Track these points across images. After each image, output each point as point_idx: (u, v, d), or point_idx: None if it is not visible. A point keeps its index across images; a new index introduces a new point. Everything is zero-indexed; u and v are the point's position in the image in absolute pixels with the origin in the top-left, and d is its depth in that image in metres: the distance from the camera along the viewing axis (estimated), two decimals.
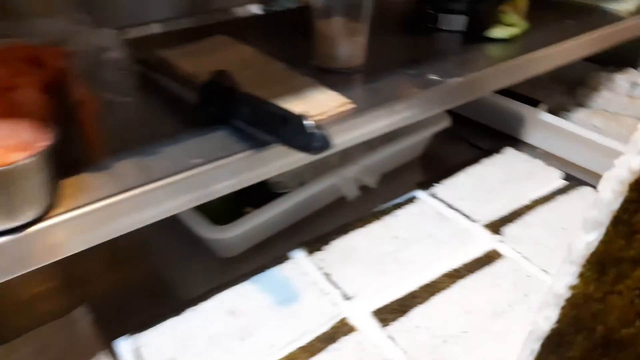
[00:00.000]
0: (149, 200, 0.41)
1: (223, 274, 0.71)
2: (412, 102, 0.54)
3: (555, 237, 0.75)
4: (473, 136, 1.04)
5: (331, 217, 0.81)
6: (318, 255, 0.72)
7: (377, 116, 0.52)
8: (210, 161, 0.44)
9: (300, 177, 0.80)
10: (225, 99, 0.49)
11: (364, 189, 0.82)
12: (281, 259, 0.72)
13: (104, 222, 0.39)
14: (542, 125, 0.98)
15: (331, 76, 0.58)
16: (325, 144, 0.45)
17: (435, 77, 0.57)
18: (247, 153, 0.46)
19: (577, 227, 0.74)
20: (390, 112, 0.53)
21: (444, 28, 0.73)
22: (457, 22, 0.72)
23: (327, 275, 0.69)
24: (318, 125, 0.44)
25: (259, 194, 0.77)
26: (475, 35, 0.71)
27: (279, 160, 0.48)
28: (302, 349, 0.60)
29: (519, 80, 0.67)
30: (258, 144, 0.46)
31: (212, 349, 0.59)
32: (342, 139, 0.50)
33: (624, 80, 1.01)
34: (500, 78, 0.64)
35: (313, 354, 0.59)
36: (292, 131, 0.45)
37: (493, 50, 0.69)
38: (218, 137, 0.47)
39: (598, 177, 0.90)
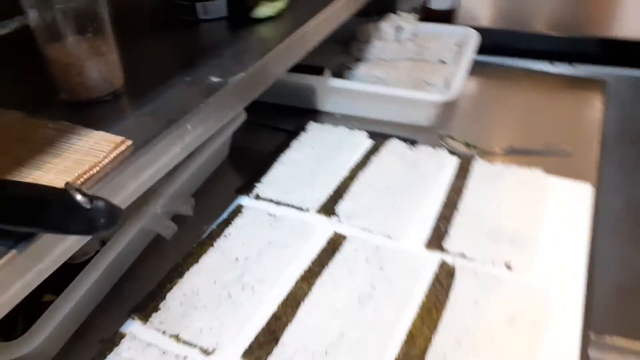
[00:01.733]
0: None
1: None
2: (201, 117, 0.45)
3: (384, 198, 0.74)
4: (274, 120, 0.98)
5: (155, 266, 0.69)
6: (156, 318, 0.60)
7: (164, 146, 0.42)
8: None
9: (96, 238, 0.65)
10: None
11: (180, 219, 0.71)
12: (110, 342, 0.58)
13: None
14: (332, 91, 0.97)
15: (89, 110, 0.45)
16: (111, 217, 0.33)
17: (216, 79, 0.49)
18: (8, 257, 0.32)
19: (399, 182, 0.73)
20: (178, 137, 0.43)
21: (204, 18, 0.64)
22: (216, 8, 0.64)
23: (175, 337, 0.58)
24: (93, 196, 0.33)
25: (54, 274, 0.61)
26: (240, 19, 0.64)
27: (58, 247, 0.36)
28: None
29: (302, 55, 0.62)
30: (19, 238, 0.33)
31: None
32: (130, 189, 0.39)
33: (389, 27, 1.05)
34: (284, 60, 0.59)
35: None
36: (62, 214, 0.33)
37: (265, 31, 0.62)
38: None
39: (398, 126, 0.93)
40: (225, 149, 0.89)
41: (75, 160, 0.39)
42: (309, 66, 0.98)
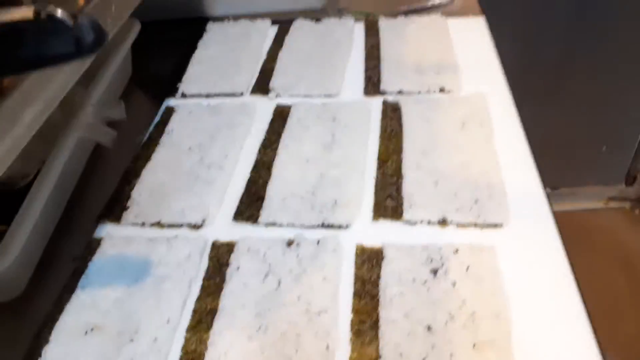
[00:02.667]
0: None
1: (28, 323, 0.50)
2: None
3: (310, 68, 0.76)
4: (168, 35, 0.93)
5: (103, 178, 0.64)
6: (129, 214, 0.57)
7: None
8: None
9: (34, 157, 0.59)
10: None
11: (115, 124, 0.66)
12: (88, 249, 0.54)
13: None
14: None
15: None
16: (99, 34, 0.31)
17: None
18: None
19: (319, 51, 0.72)
20: None
21: None
22: None
23: (157, 224, 0.56)
24: (75, 12, 0.30)
25: None
26: None
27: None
28: None
29: None
30: None
31: None
32: None
33: None
34: None
35: None
36: (42, 41, 0.30)
37: None
38: None
39: (293, 14, 0.91)
40: (128, 66, 0.83)
41: None
42: None
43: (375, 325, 0.45)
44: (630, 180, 1.65)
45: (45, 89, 0.37)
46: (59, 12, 0.29)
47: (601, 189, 1.68)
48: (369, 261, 0.50)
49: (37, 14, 0.29)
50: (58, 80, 0.38)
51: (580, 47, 1.35)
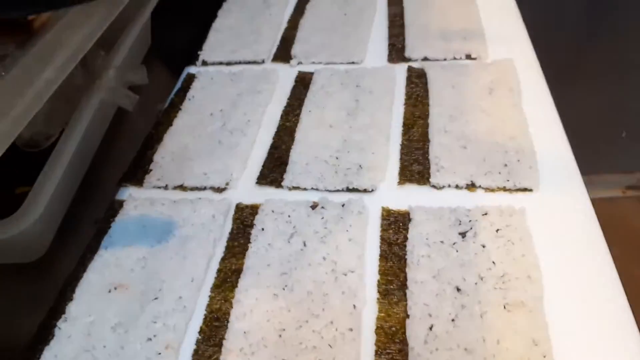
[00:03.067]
0: None
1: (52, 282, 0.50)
2: None
3: (332, 35, 0.75)
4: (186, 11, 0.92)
5: (125, 143, 0.64)
6: (151, 178, 0.57)
7: None
8: None
9: (58, 118, 0.59)
10: None
11: (137, 90, 0.66)
12: (112, 210, 0.54)
13: None
14: None
15: None
16: None
17: None
18: None
19: (341, 20, 0.71)
20: None
21: None
22: None
23: (180, 187, 0.56)
24: None
25: (17, 168, 0.55)
26: None
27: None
28: None
29: None
30: None
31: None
32: None
33: None
34: None
35: None
36: None
37: None
38: None
39: None
40: (148, 35, 0.82)
41: None
42: None
43: (402, 286, 0.45)
44: None
45: (75, 33, 0.36)
46: None
47: (619, 177, 1.63)
48: (395, 224, 0.49)
49: None
50: (87, 26, 0.38)
51: (602, 30, 1.31)
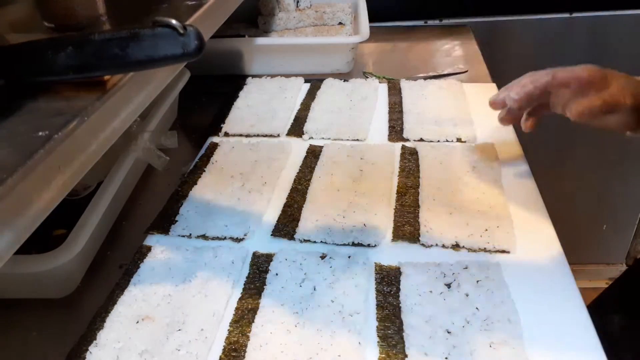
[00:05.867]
0: None
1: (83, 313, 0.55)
2: None
3: (340, 116, 0.86)
4: (211, 88, 1.03)
5: (151, 199, 0.71)
6: (177, 227, 0.64)
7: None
8: None
9: (96, 172, 0.66)
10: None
11: (166, 153, 0.74)
12: (140, 253, 0.60)
13: None
14: (259, 50, 1.04)
15: None
16: (201, 42, 0.40)
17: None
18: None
19: (347, 104, 0.83)
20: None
21: None
22: None
23: (202, 237, 0.62)
24: (185, 24, 0.39)
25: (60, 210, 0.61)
26: None
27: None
28: None
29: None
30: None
31: None
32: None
33: None
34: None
35: None
36: (156, 45, 0.38)
37: None
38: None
39: (323, 75, 1.02)
40: (175, 109, 0.92)
41: None
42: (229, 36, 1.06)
43: (399, 330, 0.50)
44: (630, 262, 1.68)
45: (142, 89, 0.44)
46: (174, 22, 0.38)
47: (602, 269, 1.70)
48: (388, 277, 0.56)
49: (154, 23, 0.38)
50: (152, 83, 0.46)
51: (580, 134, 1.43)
